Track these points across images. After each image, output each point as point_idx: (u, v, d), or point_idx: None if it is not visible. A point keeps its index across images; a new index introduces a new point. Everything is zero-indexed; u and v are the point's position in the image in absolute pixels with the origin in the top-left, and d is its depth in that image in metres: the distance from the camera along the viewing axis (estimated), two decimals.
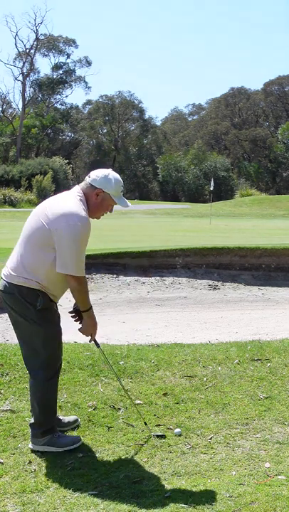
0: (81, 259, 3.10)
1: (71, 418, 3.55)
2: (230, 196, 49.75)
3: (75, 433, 3.44)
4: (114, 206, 3.34)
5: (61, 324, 3.34)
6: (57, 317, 3.31)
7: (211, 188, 26.03)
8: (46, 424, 3.24)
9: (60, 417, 3.52)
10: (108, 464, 3.10)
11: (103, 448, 3.28)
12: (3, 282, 3.23)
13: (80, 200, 3.17)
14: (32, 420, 3.29)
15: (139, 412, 3.60)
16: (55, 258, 3.07)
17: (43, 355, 3.20)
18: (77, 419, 3.55)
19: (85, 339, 3.47)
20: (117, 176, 3.26)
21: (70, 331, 3.78)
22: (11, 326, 3.37)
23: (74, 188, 3.28)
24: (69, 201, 3.15)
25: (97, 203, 3.21)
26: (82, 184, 3.25)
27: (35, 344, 3.22)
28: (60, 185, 41.90)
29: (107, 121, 66.38)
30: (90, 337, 3.35)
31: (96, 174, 3.23)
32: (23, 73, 57.71)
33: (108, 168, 3.34)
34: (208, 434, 3.48)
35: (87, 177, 3.26)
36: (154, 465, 3.11)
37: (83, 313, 3.26)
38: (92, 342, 3.41)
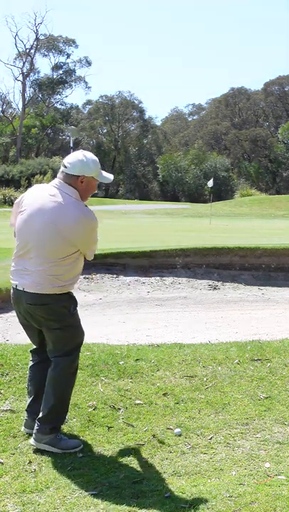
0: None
1: None
2: (230, 196, 49.71)
3: (75, 432, 3.44)
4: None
5: None
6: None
7: (211, 185, 25.29)
8: (57, 421, 3.27)
9: None
10: (108, 464, 3.10)
11: (103, 448, 3.28)
12: (30, 295, 3.20)
13: (76, 199, 3.18)
14: (41, 414, 3.25)
15: None
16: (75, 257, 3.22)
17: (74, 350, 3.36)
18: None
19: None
20: (91, 155, 3.24)
21: None
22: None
23: (56, 185, 3.20)
24: (74, 210, 3.15)
25: (84, 189, 3.23)
26: (61, 176, 3.20)
27: (69, 346, 3.32)
28: None
29: (107, 121, 66.36)
30: None
31: (70, 162, 3.19)
32: (23, 73, 57.75)
33: (80, 150, 3.31)
34: (208, 434, 3.48)
35: (62, 167, 3.22)
36: (154, 465, 3.11)
37: None
38: None
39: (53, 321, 3.24)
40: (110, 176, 3.33)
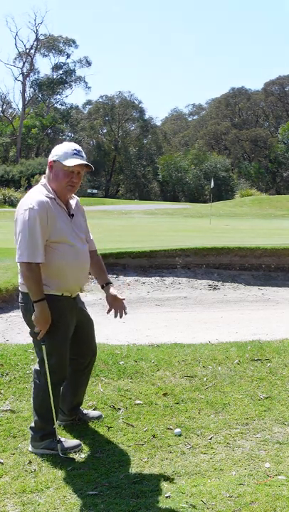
0: (33, 243, 2.97)
1: (95, 413, 3.61)
2: (230, 196, 49.72)
3: (75, 432, 3.44)
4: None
5: None
6: (65, 327, 3.18)
7: (212, 186, 26.26)
8: (45, 429, 3.21)
9: (85, 411, 3.59)
10: (108, 464, 3.09)
11: (103, 448, 3.28)
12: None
13: (41, 185, 3.16)
14: (32, 424, 3.27)
15: None
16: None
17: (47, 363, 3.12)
18: (101, 415, 3.62)
19: None
20: (69, 144, 3.16)
21: None
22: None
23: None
24: (27, 194, 3.16)
25: (53, 176, 3.12)
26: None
27: (39, 355, 3.19)
28: None
29: (107, 121, 66.40)
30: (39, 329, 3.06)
31: None
32: (23, 73, 57.80)
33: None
34: (208, 434, 3.48)
35: None
36: (154, 465, 3.11)
37: (34, 303, 3.02)
38: (39, 337, 3.10)
39: (27, 325, 3.16)
40: (75, 161, 3.05)
